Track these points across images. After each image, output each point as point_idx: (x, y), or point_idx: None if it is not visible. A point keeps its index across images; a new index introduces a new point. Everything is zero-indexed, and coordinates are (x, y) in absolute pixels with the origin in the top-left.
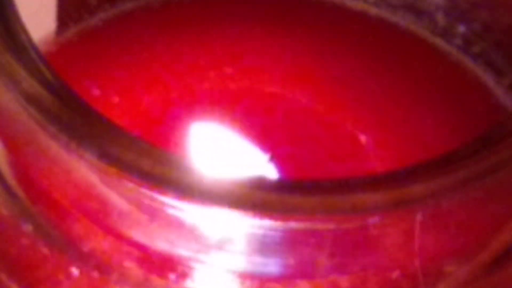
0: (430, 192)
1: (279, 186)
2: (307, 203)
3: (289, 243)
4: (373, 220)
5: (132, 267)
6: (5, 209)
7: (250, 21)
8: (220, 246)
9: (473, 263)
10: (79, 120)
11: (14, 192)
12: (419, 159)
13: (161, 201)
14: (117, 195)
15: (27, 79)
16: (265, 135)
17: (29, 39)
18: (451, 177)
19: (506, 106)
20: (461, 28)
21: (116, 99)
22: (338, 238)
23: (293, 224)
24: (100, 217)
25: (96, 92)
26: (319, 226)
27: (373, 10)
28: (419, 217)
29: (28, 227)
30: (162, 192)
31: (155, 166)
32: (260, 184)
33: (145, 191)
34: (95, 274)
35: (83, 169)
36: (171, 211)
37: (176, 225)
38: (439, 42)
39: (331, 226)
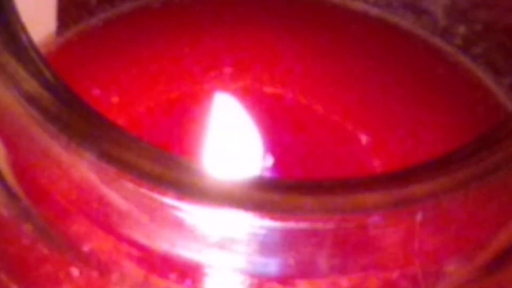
0: (430, 192)
1: (279, 186)
2: (307, 203)
3: (289, 243)
4: (373, 220)
5: (132, 267)
6: (5, 209)
7: (250, 21)
8: (220, 246)
9: (473, 263)
10: (79, 120)
11: (14, 192)
12: (419, 159)
13: (161, 201)
14: (117, 195)
15: (27, 79)
16: (265, 135)
17: (29, 39)
18: (451, 177)
19: (506, 106)
20: (461, 28)
21: (116, 99)
22: (338, 238)
23: (293, 224)
24: (100, 217)
25: (96, 92)
26: (319, 226)
27: (373, 10)
28: (419, 217)
29: (28, 227)
30: (162, 192)
31: (155, 166)
32: (260, 184)
33: (145, 191)
34: (95, 274)
35: (83, 169)
36: (171, 211)
37: (176, 225)
38: (439, 42)
39: (331, 226)
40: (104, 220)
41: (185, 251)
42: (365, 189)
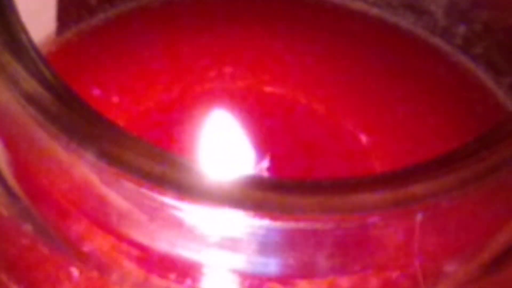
0: (430, 192)
1: (279, 186)
2: (307, 203)
3: (289, 243)
4: (373, 220)
5: (132, 267)
6: (5, 209)
7: (250, 21)
8: (220, 246)
9: (473, 263)
10: (79, 120)
11: (14, 192)
12: (419, 159)
13: (161, 201)
14: (117, 195)
15: (27, 79)
16: (265, 135)
17: (29, 39)
18: (451, 177)
19: (506, 106)
20: (461, 28)
21: (116, 99)
22: (338, 238)
23: (293, 224)
24: (100, 217)
25: (96, 92)
26: (319, 226)
27: (373, 10)
28: (419, 217)
29: (28, 227)
30: (162, 192)
31: (155, 166)
32: (260, 184)
33: (145, 191)
34: (95, 274)
35: (83, 169)
36: (171, 211)
37: (176, 225)
38: (439, 42)
39: (331, 226)
40: (104, 220)
41: (185, 251)
42: (365, 189)
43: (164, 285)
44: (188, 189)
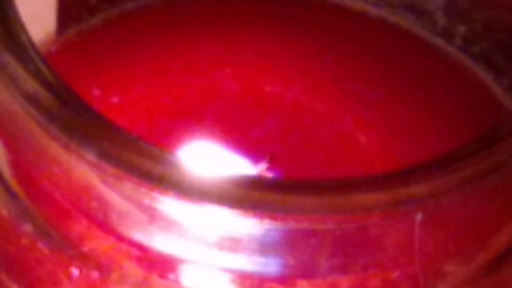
0: (430, 192)
1: (279, 186)
2: (307, 203)
3: (289, 243)
4: (373, 220)
5: (132, 267)
6: (5, 209)
7: (250, 21)
8: (219, 246)
9: (473, 263)
10: (79, 120)
11: (14, 192)
12: (419, 159)
13: (161, 201)
14: (117, 195)
15: (27, 79)
16: (265, 135)
17: (29, 39)
18: (451, 177)
19: (506, 106)
20: (461, 28)
21: (116, 99)
22: (338, 238)
23: (293, 224)
24: (100, 217)
25: (96, 92)
26: (319, 226)
27: (373, 10)
28: (419, 217)
29: (28, 227)
30: (162, 192)
31: (155, 166)
32: (260, 184)
33: (145, 191)
34: (95, 274)
35: (83, 169)
36: (171, 211)
37: (176, 225)
38: (439, 42)
39: (331, 226)
40: (104, 220)
41: (185, 251)
42: (365, 189)
43: (164, 285)
44: (188, 189)
